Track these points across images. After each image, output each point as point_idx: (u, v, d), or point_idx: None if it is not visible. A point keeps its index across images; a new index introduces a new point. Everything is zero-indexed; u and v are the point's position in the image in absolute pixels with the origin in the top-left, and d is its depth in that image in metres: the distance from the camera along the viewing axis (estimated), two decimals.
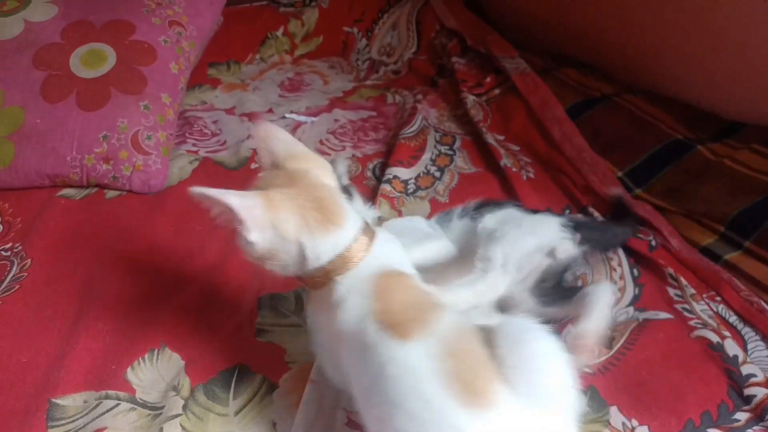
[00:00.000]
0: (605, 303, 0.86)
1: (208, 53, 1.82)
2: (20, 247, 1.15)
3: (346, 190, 1.04)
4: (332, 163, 1.01)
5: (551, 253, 0.92)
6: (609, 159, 1.33)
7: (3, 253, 1.15)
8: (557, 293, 0.91)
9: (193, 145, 1.51)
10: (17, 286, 1.06)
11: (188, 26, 1.58)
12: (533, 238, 0.91)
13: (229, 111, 1.71)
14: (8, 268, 1.10)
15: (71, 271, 1.10)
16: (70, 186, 1.34)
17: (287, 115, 1.68)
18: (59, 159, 1.30)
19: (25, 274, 1.09)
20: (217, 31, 1.87)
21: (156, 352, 0.92)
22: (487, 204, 1.02)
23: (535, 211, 1.05)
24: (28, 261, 1.12)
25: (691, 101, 1.41)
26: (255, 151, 1.48)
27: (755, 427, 0.78)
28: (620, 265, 1.08)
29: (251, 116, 1.67)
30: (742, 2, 1.22)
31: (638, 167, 1.30)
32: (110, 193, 1.33)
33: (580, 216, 1.17)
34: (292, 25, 2.09)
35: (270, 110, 1.71)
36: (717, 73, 1.35)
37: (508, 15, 2.01)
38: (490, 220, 0.95)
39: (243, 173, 1.41)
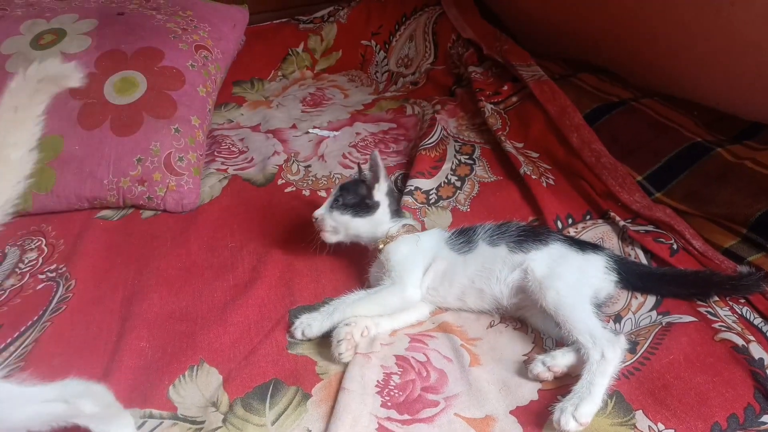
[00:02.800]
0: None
1: (232, 72, 1.88)
2: (64, 268, 1.22)
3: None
4: (372, 160, 1.06)
5: (595, 295, 0.97)
6: (628, 163, 1.34)
7: (49, 274, 1.21)
8: None
9: (222, 163, 1.57)
10: (64, 307, 1.12)
11: (213, 50, 1.64)
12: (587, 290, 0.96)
13: (255, 128, 1.76)
14: (54, 289, 1.17)
15: (112, 290, 1.16)
16: (108, 208, 1.41)
17: (310, 131, 1.72)
18: (97, 182, 1.37)
19: (71, 294, 1.15)
20: (240, 51, 1.93)
21: (195, 368, 0.96)
22: (531, 235, 1.03)
23: (579, 244, 1.05)
24: (72, 282, 1.18)
25: (710, 103, 1.41)
26: (281, 168, 1.53)
27: None
28: None
29: (276, 133, 1.72)
30: (759, 2, 1.22)
31: (657, 171, 1.31)
32: (146, 213, 1.40)
33: (621, 256, 1.12)
34: (311, 41, 2.15)
35: (294, 126, 1.76)
36: (735, 74, 1.35)
37: (524, 24, 2.03)
38: (538, 263, 0.97)
39: (270, 189, 1.46)
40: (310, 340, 1.00)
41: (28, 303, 1.14)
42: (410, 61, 2.07)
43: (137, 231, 1.34)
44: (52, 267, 1.23)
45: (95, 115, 1.40)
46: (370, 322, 0.98)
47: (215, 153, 1.61)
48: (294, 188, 1.46)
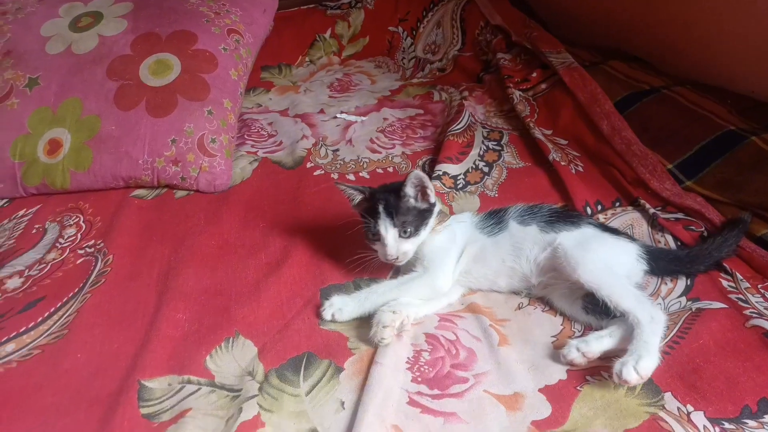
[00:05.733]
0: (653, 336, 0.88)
1: (260, 57, 1.90)
2: (102, 244, 1.26)
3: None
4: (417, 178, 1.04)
5: (627, 277, 0.97)
6: (658, 152, 1.33)
7: (88, 249, 1.26)
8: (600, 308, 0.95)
9: (252, 146, 1.60)
10: (103, 280, 1.16)
11: (245, 34, 1.67)
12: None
13: (283, 113, 1.79)
14: (93, 264, 1.21)
15: (149, 266, 1.20)
16: (142, 187, 1.45)
17: (338, 116, 1.74)
18: (132, 162, 1.41)
19: (109, 269, 1.19)
20: (268, 36, 1.96)
21: (231, 340, 0.99)
22: (562, 217, 1.05)
23: (613, 231, 1.06)
24: (110, 257, 1.22)
25: (744, 91, 1.39)
26: (310, 151, 1.56)
27: None
28: None
29: (304, 117, 1.74)
30: None
31: (689, 159, 1.30)
32: (179, 193, 1.43)
33: (652, 246, 1.12)
34: (339, 27, 2.17)
35: (321, 111, 1.78)
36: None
37: (553, 10, 2.02)
38: (568, 239, 0.99)
39: (299, 172, 1.48)
40: (336, 323, 1.01)
41: (69, 276, 1.18)
42: (437, 47, 2.07)
43: (171, 210, 1.38)
44: (90, 243, 1.28)
45: (131, 97, 1.44)
46: (412, 310, 1.00)
47: (245, 136, 1.64)
48: (323, 171, 1.48)
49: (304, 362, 0.94)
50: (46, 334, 1.04)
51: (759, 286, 1.02)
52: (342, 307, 1.01)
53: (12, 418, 0.89)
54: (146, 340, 1.00)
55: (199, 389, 0.91)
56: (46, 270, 1.20)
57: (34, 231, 1.33)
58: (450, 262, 1.04)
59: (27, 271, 1.21)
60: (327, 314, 1.01)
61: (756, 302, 0.98)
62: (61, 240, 1.29)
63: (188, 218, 1.34)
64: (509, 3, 2.01)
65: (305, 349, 0.96)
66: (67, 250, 1.26)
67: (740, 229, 1.08)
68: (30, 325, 1.06)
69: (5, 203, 1.45)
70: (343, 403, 0.87)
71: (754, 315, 0.95)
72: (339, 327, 1.01)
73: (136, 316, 1.07)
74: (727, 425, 0.79)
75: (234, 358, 0.96)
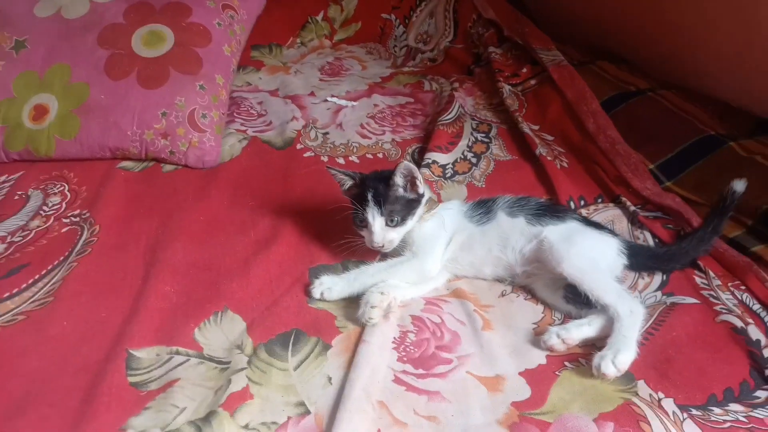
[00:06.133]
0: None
1: (251, 36, 1.87)
2: (88, 214, 1.25)
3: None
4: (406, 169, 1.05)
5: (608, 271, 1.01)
6: (641, 151, 1.38)
7: (73, 218, 1.24)
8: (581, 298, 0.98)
9: (242, 124, 1.59)
10: (89, 250, 1.15)
11: (239, 10, 1.65)
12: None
13: (273, 93, 1.78)
14: (79, 233, 1.20)
15: (136, 238, 1.19)
16: (129, 159, 1.44)
17: (329, 99, 1.75)
18: (121, 133, 1.39)
19: (95, 239, 1.18)
20: (259, 15, 1.93)
21: (220, 314, 1.00)
22: (548, 210, 1.08)
23: (595, 225, 1.10)
24: (97, 227, 1.21)
25: (726, 98, 1.45)
26: (299, 132, 1.56)
27: None
28: None
29: (294, 99, 1.74)
30: None
31: (670, 160, 1.35)
32: (166, 167, 1.42)
33: (632, 242, 1.16)
34: (332, 11, 2.15)
35: (312, 93, 1.78)
36: (752, 71, 1.39)
37: (545, 7, 2.05)
38: (553, 232, 1.02)
39: (289, 153, 1.49)
40: (325, 301, 1.03)
41: (54, 244, 1.17)
42: (429, 37, 2.09)
43: (158, 184, 1.37)
44: (76, 212, 1.26)
45: (122, 66, 1.42)
46: (399, 292, 1.02)
47: (235, 114, 1.63)
48: (312, 153, 1.49)
49: (292, 338, 0.95)
50: (31, 300, 1.04)
51: (729, 284, 1.07)
52: (331, 287, 1.02)
53: None
54: (134, 311, 1.00)
55: (187, 360, 0.92)
56: (30, 237, 1.19)
57: (16, 197, 1.31)
58: (438, 248, 1.07)
59: (9, 237, 1.19)
60: (316, 293, 1.03)
61: (726, 299, 1.03)
62: (45, 208, 1.28)
63: (176, 193, 1.33)
64: None
65: (293, 326, 0.98)
66: (52, 218, 1.24)
67: (716, 227, 1.11)
68: (14, 291, 1.05)
69: None
70: (330, 379, 0.89)
71: (724, 311, 1.00)
72: (327, 306, 1.03)
73: (124, 286, 1.06)
74: (694, 412, 0.84)
75: (223, 332, 0.97)
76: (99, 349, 0.94)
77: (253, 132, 1.57)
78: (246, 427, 0.81)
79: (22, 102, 1.40)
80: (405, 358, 0.93)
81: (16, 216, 1.25)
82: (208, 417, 0.82)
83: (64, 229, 1.21)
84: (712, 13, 1.43)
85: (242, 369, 0.89)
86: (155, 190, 1.34)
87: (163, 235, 1.19)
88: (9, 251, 1.15)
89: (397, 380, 0.89)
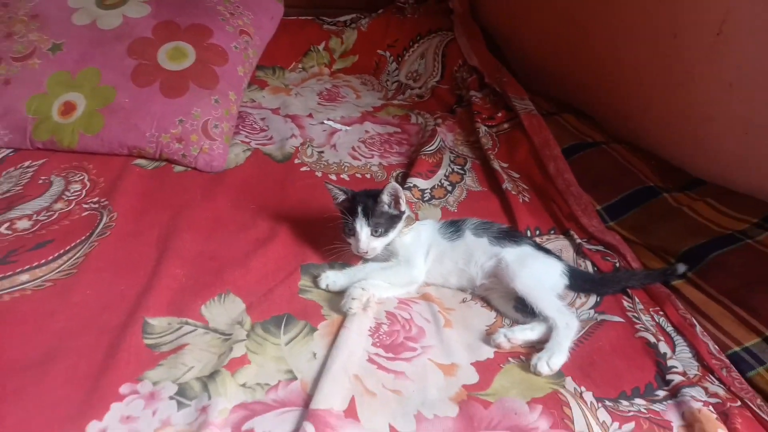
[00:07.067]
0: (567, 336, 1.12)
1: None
2: (107, 202, 1.40)
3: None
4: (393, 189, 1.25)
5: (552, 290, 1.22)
6: (591, 194, 1.61)
7: (92, 205, 1.40)
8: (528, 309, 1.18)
9: (246, 137, 1.77)
10: (108, 233, 1.31)
11: (254, 36, 1.85)
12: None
13: (275, 111, 1.97)
14: (98, 218, 1.36)
15: (149, 227, 1.35)
16: (144, 157, 1.60)
17: (325, 122, 1.94)
18: (140, 134, 1.56)
19: (113, 224, 1.34)
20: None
21: (223, 296, 1.17)
22: (508, 235, 1.29)
23: (544, 250, 1.31)
24: (115, 214, 1.37)
25: (666, 156, 1.70)
26: (297, 149, 1.75)
27: (669, 402, 1.04)
28: None
29: (294, 118, 1.93)
30: (708, 82, 1.52)
31: (614, 204, 1.58)
32: (177, 168, 1.59)
33: (575, 267, 1.36)
34: (333, 42, 2.37)
35: (310, 115, 1.97)
36: (687, 137, 1.64)
37: (522, 61, 2.31)
38: (510, 254, 1.23)
39: (288, 166, 1.67)
40: (329, 292, 1.21)
41: (77, 225, 1.32)
42: (419, 76, 2.32)
43: (169, 182, 1.53)
44: (95, 199, 1.42)
45: (148, 76, 1.60)
46: (378, 291, 1.21)
47: (240, 127, 1.81)
48: (308, 168, 1.67)
49: (284, 321, 1.13)
50: (57, 271, 1.19)
51: (651, 309, 1.28)
52: (336, 280, 1.21)
53: (30, 334, 1.04)
54: (149, 287, 1.16)
55: (195, 330, 1.08)
56: (54, 217, 1.34)
57: (40, 182, 1.46)
58: (420, 257, 1.27)
59: (35, 216, 1.34)
60: (323, 284, 1.21)
61: (645, 320, 1.24)
62: (67, 193, 1.43)
63: (186, 191, 1.50)
64: (486, 48, 2.28)
65: (286, 311, 1.15)
66: (73, 203, 1.40)
67: (657, 276, 1.34)
68: (41, 261, 1.20)
69: (11, 152, 1.56)
70: (315, 354, 1.06)
71: (642, 329, 1.21)
72: (315, 297, 1.21)
73: (139, 267, 1.22)
74: (607, 403, 1.04)
75: (225, 310, 1.14)
76: (118, 316, 1.09)
77: (256, 144, 1.75)
78: (244, 385, 0.98)
79: (53, 98, 1.56)
80: (378, 344, 1.11)
81: (41, 198, 1.40)
82: (213, 375, 0.98)
83: (84, 213, 1.36)
84: (659, 86, 1.69)
85: (242, 340, 1.06)
86: (167, 187, 1.51)
87: (173, 226, 1.35)
88: (36, 228, 1.30)
89: (371, 360, 1.07)
